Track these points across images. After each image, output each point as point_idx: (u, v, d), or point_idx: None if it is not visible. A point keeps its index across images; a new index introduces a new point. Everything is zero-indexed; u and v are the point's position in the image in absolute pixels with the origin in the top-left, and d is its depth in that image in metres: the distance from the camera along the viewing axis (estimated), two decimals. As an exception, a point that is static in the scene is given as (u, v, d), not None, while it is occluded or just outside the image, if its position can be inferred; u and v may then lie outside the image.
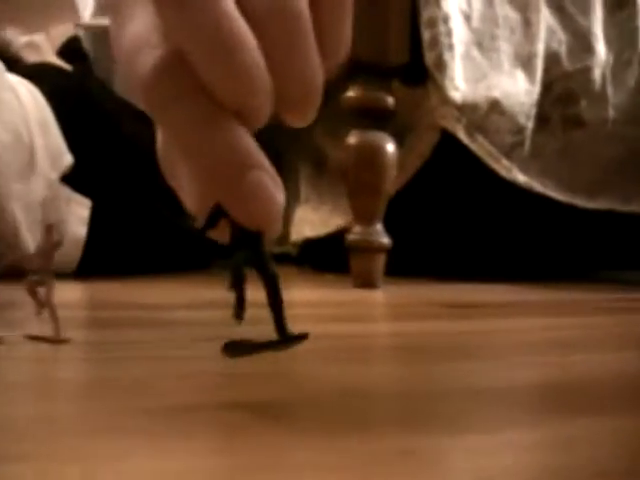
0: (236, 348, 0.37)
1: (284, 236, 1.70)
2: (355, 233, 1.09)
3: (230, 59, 0.32)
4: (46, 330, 0.51)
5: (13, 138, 1.15)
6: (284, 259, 1.77)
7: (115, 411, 0.32)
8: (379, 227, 1.08)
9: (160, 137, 0.40)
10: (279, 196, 0.33)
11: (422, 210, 1.30)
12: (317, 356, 0.49)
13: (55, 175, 1.20)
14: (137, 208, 1.30)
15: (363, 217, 1.08)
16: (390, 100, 1.07)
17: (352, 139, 1.07)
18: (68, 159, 1.20)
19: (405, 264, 1.18)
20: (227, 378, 0.40)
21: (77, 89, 1.33)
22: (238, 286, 0.37)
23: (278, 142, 1.70)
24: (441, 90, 1.09)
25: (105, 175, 1.26)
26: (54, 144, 1.20)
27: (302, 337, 0.38)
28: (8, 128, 1.15)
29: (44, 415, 0.31)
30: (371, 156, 1.06)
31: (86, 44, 1.66)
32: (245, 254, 0.36)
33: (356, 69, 1.06)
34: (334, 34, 0.36)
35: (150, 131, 1.38)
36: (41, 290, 0.54)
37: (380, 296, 1.03)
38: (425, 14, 1.07)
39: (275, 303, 0.37)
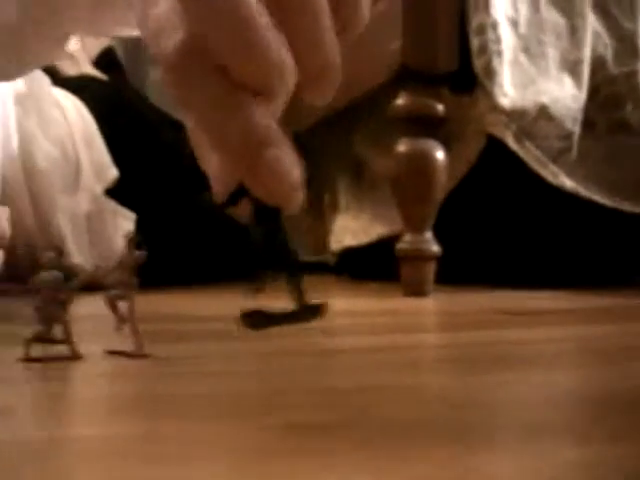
0: (255, 320, 0.37)
1: (323, 245, 1.70)
2: (405, 241, 1.08)
3: (247, 42, 0.33)
4: (125, 344, 0.51)
5: (60, 153, 1.15)
6: (321, 268, 1.77)
7: (200, 432, 0.31)
8: (429, 235, 1.08)
9: (189, 120, 0.41)
10: (296, 173, 0.34)
11: (466, 217, 1.29)
12: (376, 368, 0.49)
13: (100, 189, 1.20)
14: (181, 219, 1.29)
15: (413, 225, 1.07)
16: (440, 107, 1.06)
17: (402, 147, 1.06)
18: (113, 173, 1.20)
19: (451, 271, 1.17)
20: (299, 395, 0.40)
21: (117, 101, 1.33)
22: (258, 259, 0.38)
23: (316, 151, 1.69)
24: (490, 97, 1.09)
25: (148, 187, 1.26)
26: (99, 158, 1.20)
27: (320, 308, 0.38)
28: (56, 143, 1.15)
29: (142, 434, 0.31)
30: (421, 164, 1.06)
31: (119, 54, 1.66)
32: (264, 229, 0.37)
33: (404, 77, 1.06)
34: (350, 10, 0.37)
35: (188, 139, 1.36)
36: (121, 304, 0.54)
37: (432, 304, 1.03)
38: (474, 21, 1.06)
39: (293, 276, 0.37)
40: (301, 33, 0.35)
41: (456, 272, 1.19)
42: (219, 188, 0.37)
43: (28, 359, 0.49)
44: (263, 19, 0.33)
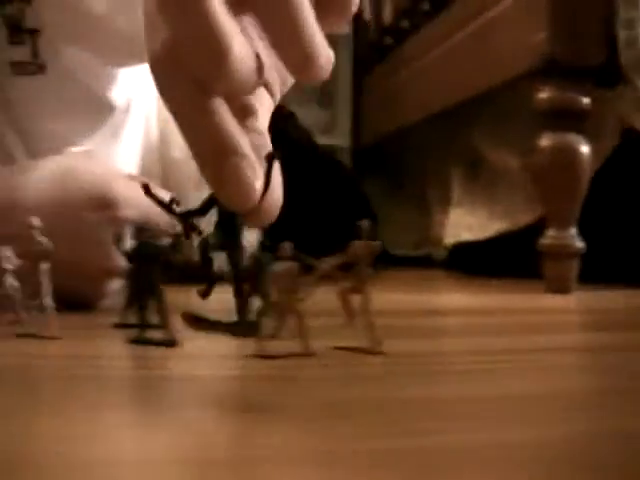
0: (193, 322, 0.39)
1: (426, 239, 1.69)
2: (549, 237, 1.06)
3: (210, 46, 0.32)
4: (356, 340, 0.50)
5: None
6: (425, 262, 1.75)
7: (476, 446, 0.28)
8: (573, 230, 1.06)
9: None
10: (257, 185, 0.34)
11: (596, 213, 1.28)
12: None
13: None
14: (312, 216, 1.29)
15: (557, 221, 1.06)
16: (585, 101, 1.04)
17: (546, 141, 1.05)
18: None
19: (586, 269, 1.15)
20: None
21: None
22: (205, 263, 0.39)
23: (426, 145, 1.68)
24: (636, 91, 1.07)
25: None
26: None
27: (256, 327, 0.39)
28: None
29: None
30: (567, 158, 1.04)
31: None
32: (218, 235, 0.39)
33: (549, 70, 1.04)
34: None
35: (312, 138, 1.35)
36: (353, 298, 0.53)
37: (575, 302, 1.01)
38: (623, 14, 1.04)
39: (238, 291, 0.39)
40: (279, 27, 0.35)
41: (590, 269, 1.17)
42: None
43: (263, 355, 0.48)
44: (227, 23, 0.33)
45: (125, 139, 0.98)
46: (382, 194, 1.86)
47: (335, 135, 2.05)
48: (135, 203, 0.72)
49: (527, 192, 1.28)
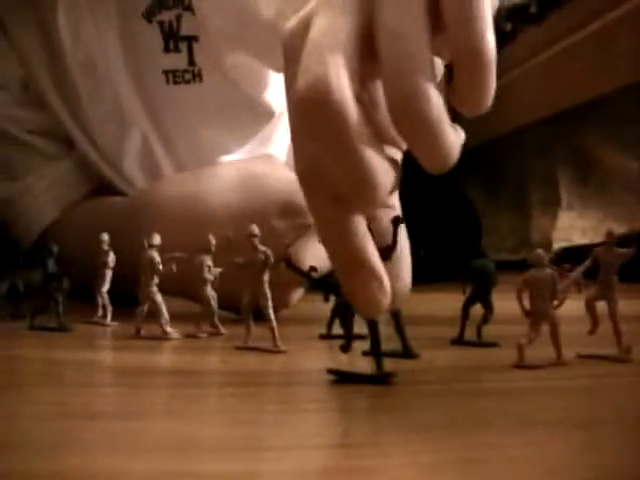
0: (337, 374, 0.44)
1: (524, 242, 1.68)
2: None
3: (362, 190, 0.33)
4: (601, 348, 0.49)
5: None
6: (522, 266, 1.74)
7: None
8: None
9: None
10: (383, 299, 0.35)
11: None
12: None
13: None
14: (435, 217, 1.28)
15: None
16: None
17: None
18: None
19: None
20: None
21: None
22: (345, 324, 0.48)
23: (528, 148, 1.67)
24: None
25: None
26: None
27: (389, 376, 0.43)
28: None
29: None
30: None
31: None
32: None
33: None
34: (472, 92, 0.35)
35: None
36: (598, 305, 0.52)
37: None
38: None
39: (374, 344, 0.44)
40: (421, 148, 0.34)
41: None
42: None
43: (520, 366, 0.48)
44: (373, 157, 0.33)
45: (275, 145, 0.97)
46: (477, 198, 1.85)
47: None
48: None
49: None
